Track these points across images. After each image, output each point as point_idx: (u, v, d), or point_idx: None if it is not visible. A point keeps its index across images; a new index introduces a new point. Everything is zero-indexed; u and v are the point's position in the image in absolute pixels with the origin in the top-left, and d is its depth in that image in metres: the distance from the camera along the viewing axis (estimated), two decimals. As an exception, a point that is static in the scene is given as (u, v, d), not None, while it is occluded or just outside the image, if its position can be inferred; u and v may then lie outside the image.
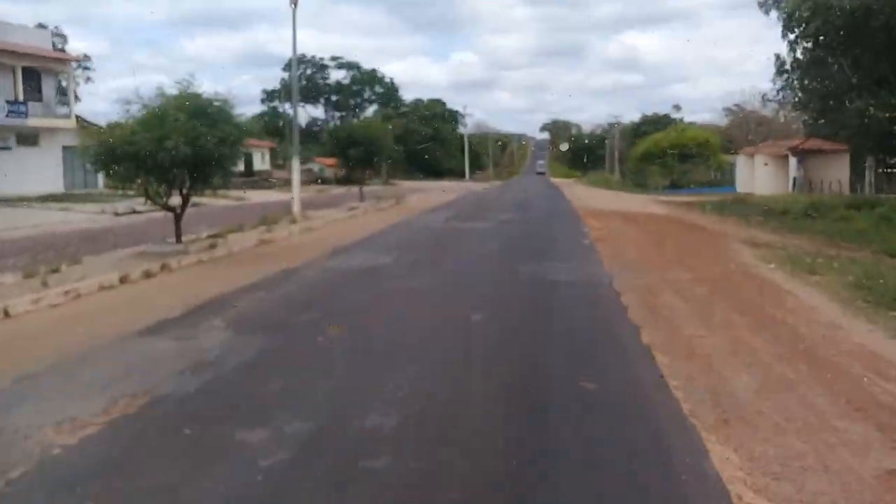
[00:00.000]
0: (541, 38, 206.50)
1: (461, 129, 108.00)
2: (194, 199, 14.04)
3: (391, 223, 20.76)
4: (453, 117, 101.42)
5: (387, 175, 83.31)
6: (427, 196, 39.24)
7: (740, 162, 46.59)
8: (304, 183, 59.73)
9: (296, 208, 20.79)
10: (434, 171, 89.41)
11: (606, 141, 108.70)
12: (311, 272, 11.52)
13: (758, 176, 40.67)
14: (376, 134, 29.06)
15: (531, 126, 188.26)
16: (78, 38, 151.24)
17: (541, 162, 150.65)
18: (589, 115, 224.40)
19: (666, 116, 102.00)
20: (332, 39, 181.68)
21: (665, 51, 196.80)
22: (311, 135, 68.34)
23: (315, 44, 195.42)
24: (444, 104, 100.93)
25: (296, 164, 21.91)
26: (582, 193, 43.67)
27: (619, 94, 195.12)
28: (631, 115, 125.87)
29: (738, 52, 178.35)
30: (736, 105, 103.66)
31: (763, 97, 71.41)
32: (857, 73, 35.31)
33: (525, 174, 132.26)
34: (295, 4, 21.58)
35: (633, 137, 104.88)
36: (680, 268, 11.82)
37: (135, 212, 21.25)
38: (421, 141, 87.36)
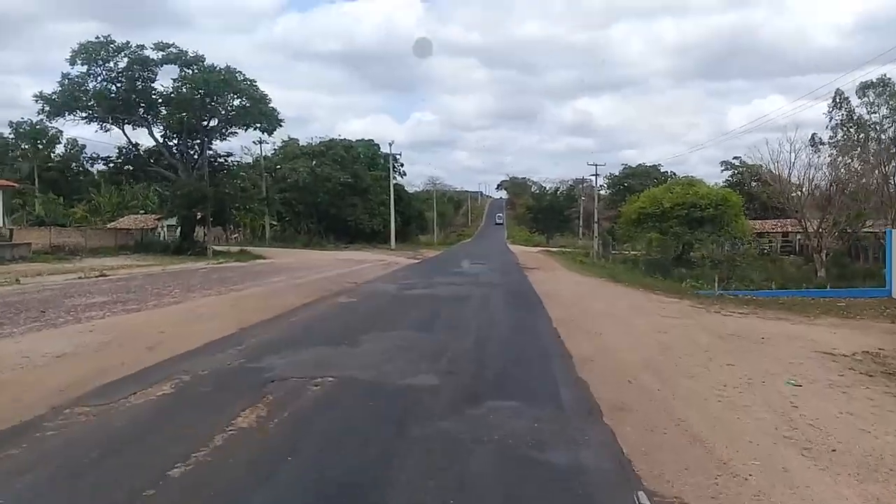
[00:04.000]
0: (498, 100, 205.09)
1: (398, 179, 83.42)
2: None
3: None
4: (384, 163, 76.94)
5: (243, 236, 57.48)
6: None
7: (909, 235, 22.10)
8: (106, 252, 33.68)
9: None
10: (353, 232, 64.42)
11: (582, 198, 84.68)
12: None
13: None
14: None
15: (489, 187, 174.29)
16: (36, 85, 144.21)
17: (500, 214, 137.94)
18: (543, 177, 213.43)
19: (655, 168, 78.74)
20: (294, 96, 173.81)
21: (616, 116, 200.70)
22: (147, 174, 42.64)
23: (278, 99, 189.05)
24: (376, 146, 75.88)
25: None
26: (591, 305, 18.91)
27: (573, 157, 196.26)
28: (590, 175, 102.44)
29: (684, 121, 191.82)
30: (736, 158, 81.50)
31: (813, 140, 48.65)
32: None
33: (478, 237, 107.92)
34: None
35: (615, 195, 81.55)
36: None
37: None
38: (332, 192, 62.10)
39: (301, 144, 66.39)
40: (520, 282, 24.59)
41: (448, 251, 59.48)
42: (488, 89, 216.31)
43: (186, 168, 39.05)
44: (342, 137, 69.23)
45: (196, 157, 39.61)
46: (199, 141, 39.74)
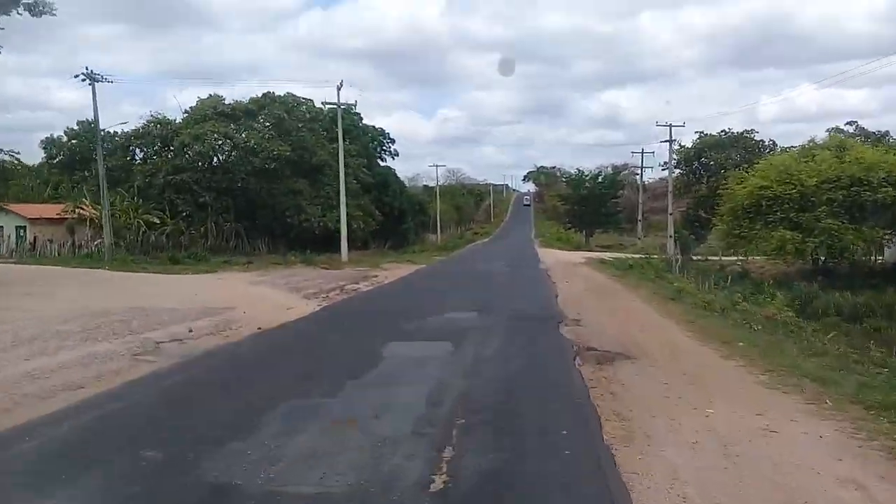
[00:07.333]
0: (523, 94, 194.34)
1: (386, 161, 60.03)
2: None
3: None
4: (364, 136, 53.45)
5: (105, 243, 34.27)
6: None
7: None
8: None
9: None
10: (295, 234, 41.12)
11: (640, 177, 59.56)
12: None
13: None
14: None
15: (515, 180, 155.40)
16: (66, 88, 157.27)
17: (527, 197, 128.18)
18: (574, 168, 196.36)
19: (746, 136, 53.91)
20: (320, 93, 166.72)
21: (645, 108, 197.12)
22: None
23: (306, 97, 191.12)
24: (355, 115, 51.17)
25: None
26: None
27: (602, 151, 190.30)
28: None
29: (716, 111, 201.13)
30: (850, 123, 56.96)
31: None
32: None
33: (498, 237, 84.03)
34: None
35: (686, 176, 57.10)
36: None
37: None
38: (260, 172, 38.97)
39: (227, 103, 43.39)
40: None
41: (435, 267, 35.83)
42: (513, 83, 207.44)
43: None
44: (287, 93, 45.69)
45: None
46: None
